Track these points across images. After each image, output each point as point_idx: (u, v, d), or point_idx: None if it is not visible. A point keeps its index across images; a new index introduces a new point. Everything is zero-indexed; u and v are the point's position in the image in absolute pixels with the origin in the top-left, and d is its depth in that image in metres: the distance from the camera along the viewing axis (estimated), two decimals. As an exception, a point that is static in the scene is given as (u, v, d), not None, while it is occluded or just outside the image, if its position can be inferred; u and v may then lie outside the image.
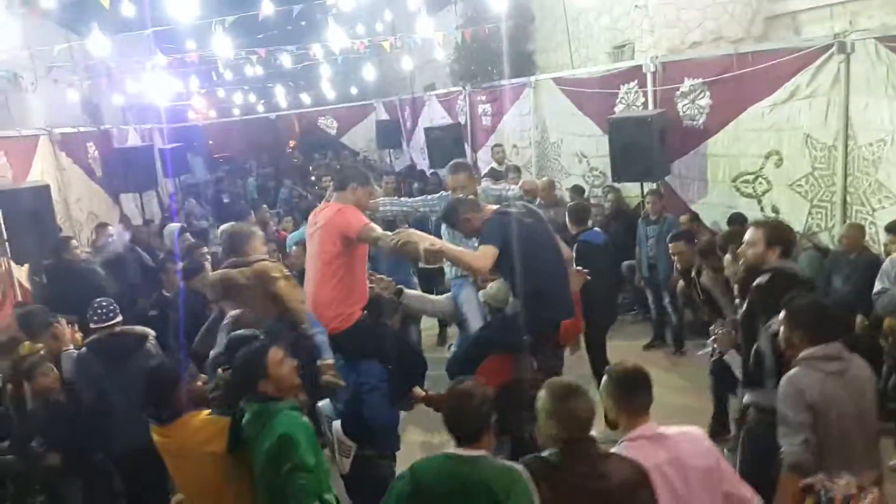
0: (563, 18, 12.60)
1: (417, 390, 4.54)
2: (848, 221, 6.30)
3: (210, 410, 3.69)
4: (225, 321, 4.61)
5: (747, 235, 4.40)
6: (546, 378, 4.33)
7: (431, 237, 4.36)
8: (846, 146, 6.34)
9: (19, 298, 7.56)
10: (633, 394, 3.11)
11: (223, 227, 5.98)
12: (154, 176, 13.46)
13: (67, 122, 11.98)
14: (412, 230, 4.38)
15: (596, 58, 12.18)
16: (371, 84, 18.76)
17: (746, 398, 4.17)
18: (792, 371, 3.51)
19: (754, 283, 4.03)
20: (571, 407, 2.94)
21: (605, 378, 3.20)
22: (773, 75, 6.99)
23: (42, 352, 5.04)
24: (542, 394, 3.01)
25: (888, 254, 5.45)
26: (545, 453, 2.96)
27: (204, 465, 3.52)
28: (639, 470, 2.89)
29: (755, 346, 3.97)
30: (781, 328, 3.62)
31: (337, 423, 4.37)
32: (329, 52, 13.74)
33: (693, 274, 6.34)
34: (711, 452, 3.07)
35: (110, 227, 9.17)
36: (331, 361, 4.36)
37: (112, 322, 5.01)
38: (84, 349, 5.02)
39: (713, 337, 4.68)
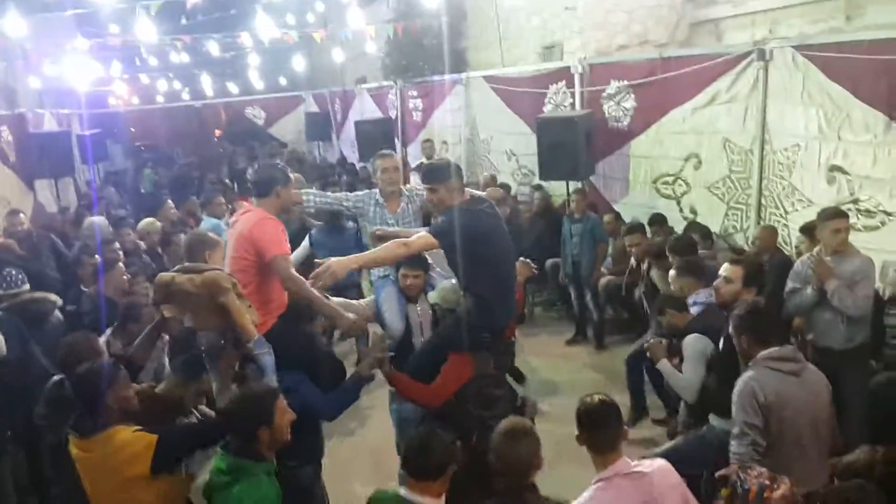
0: (494, 17, 12.69)
1: (384, 368, 4.26)
2: (762, 223, 6.51)
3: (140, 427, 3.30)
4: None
5: (725, 271, 4.50)
6: (501, 375, 4.51)
7: (349, 260, 4.13)
8: (762, 150, 6.54)
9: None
10: (601, 429, 3.02)
11: (144, 221, 5.86)
12: (71, 162, 12.96)
13: (-20, 104, 11.49)
14: (333, 262, 4.02)
15: (526, 57, 12.30)
16: (301, 75, 18.58)
17: (715, 422, 4.17)
18: (747, 372, 3.57)
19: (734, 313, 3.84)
20: (514, 450, 2.92)
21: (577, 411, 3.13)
22: (695, 80, 7.16)
23: None
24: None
25: (800, 255, 5.63)
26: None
27: (125, 488, 3.18)
28: None
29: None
30: (734, 340, 3.74)
31: None
32: (258, 41, 13.52)
33: (644, 266, 6.52)
34: (680, 484, 3.03)
35: (21, 215, 8.81)
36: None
37: (20, 290, 4.88)
38: None
39: (645, 344, 4.82)
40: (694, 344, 4.47)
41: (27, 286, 4.94)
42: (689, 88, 7.26)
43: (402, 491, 3.00)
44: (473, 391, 4.09)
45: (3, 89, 14.73)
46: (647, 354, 4.75)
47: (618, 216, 8.21)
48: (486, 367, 4.27)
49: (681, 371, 4.51)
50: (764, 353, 3.54)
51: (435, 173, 4.29)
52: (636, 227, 7.09)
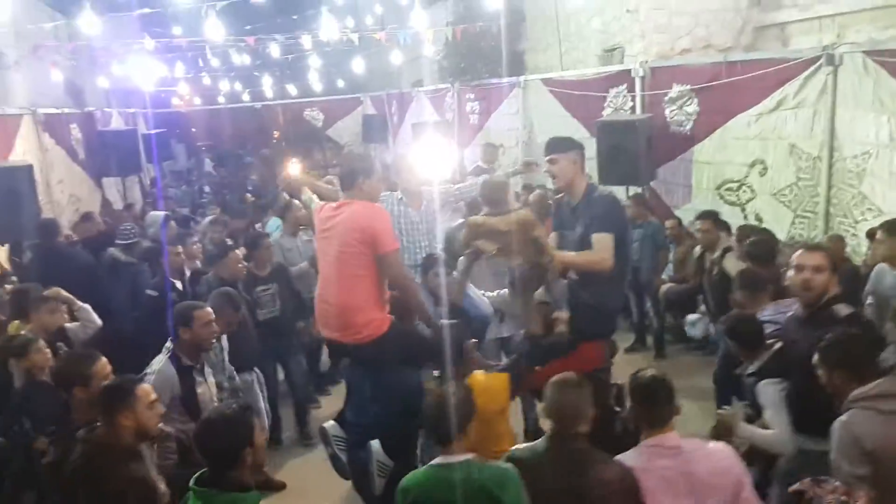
0: (554, 19, 12.64)
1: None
2: (830, 232, 6.37)
3: None
4: None
5: (809, 259, 3.79)
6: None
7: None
8: (831, 157, 6.40)
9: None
10: (652, 405, 3.10)
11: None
12: (138, 161, 13.34)
13: (50, 102, 11.87)
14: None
15: (586, 60, 12.23)
16: (359, 77, 18.72)
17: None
18: (844, 416, 3.08)
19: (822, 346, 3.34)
20: (563, 399, 2.99)
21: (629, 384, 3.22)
22: (761, 85, 7.04)
23: (31, 331, 5.00)
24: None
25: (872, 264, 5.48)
26: (533, 444, 3.06)
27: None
28: (626, 474, 2.92)
29: None
30: (820, 372, 3.27)
31: (375, 443, 4.09)
32: (318, 42, 13.69)
33: (717, 254, 6.28)
34: (732, 473, 3.01)
35: (97, 218, 9.22)
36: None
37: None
38: None
39: (716, 414, 4.07)
40: (772, 393, 3.77)
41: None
42: (755, 93, 7.13)
43: (438, 460, 3.06)
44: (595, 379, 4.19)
45: (72, 88, 15.18)
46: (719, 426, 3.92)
47: (680, 222, 8.11)
48: (608, 357, 4.52)
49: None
50: (862, 390, 3.07)
51: (557, 144, 4.40)
52: (709, 213, 6.90)
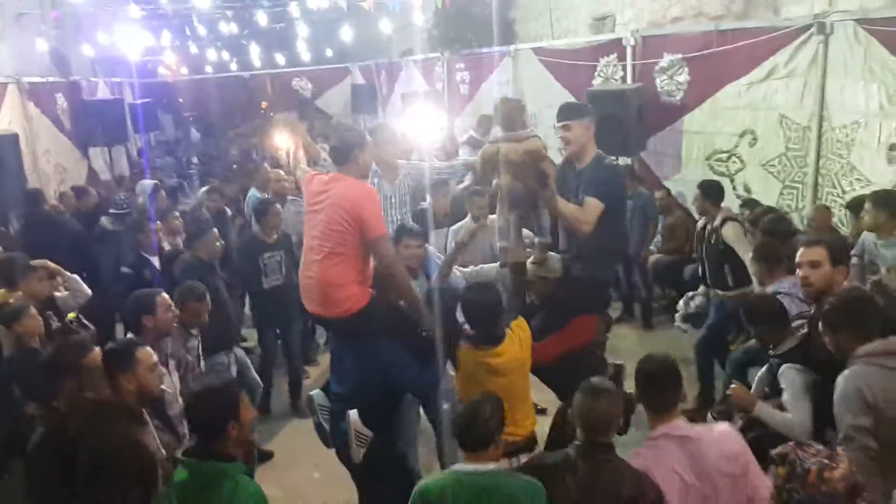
0: (544, -12, 12.52)
1: None
2: (818, 203, 6.39)
3: None
4: None
5: (807, 256, 3.87)
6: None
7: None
8: (820, 127, 6.40)
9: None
10: (660, 390, 3.08)
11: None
12: (125, 131, 13.22)
13: (35, 71, 11.69)
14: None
15: (576, 29, 12.13)
16: (348, 47, 18.53)
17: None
18: (848, 370, 3.15)
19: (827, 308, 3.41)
20: (595, 407, 2.96)
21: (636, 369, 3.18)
22: (752, 54, 7.01)
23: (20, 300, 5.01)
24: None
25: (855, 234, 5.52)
26: (563, 452, 3.01)
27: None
28: (651, 487, 2.90)
29: None
30: (826, 338, 3.30)
31: (353, 413, 4.13)
32: (306, 10, 13.53)
33: (716, 223, 6.16)
34: (740, 454, 3.02)
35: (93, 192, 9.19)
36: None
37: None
38: None
39: (728, 391, 4.00)
40: (794, 378, 3.72)
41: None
42: (746, 62, 7.10)
43: (463, 467, 3.02)
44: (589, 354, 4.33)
45: (57, 56, 14.97)
46: (732, 403, 3.95)
47: (669, 193, 8.11)
48: (602, 331, 4.53)
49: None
50: (867, 347, 3.13)
51: (571, 110, 4.42)
52: (700, 184, 6.79)
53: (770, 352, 4.04)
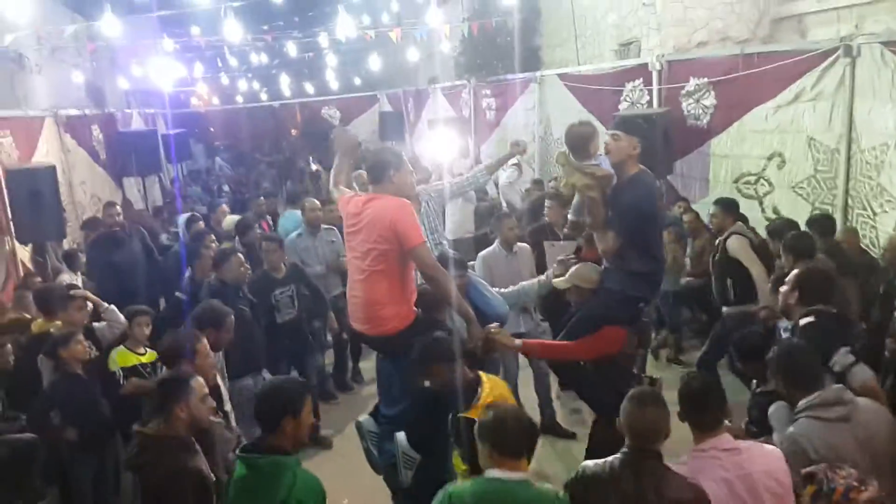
0: (570, 14, 12.63)
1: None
2: (848, 224, 6.33)
3: None
4: None
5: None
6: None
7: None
8: (849, 149, 6.35)
9: (21, 277, 7.59)
10: (703, 410, 3.08)
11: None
12: (158, 161, 13.47)
13: (71, 104, 12.01)
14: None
15: (602, 55, 12.21)
16: (375, 75, 18.79)
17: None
18: (791, 427, 3.27)
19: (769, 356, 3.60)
20: (643, 415, 2.97)
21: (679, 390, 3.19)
22: (779, 77, 7.00)
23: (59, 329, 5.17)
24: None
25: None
26: (606, 461, 3.00)
27: None
28: (699, 493, 2.88)
29: None
30: (774, 381, 3.47)
31: (401, 435, 4.10)
32: (335, 41, 13.75)
33: (720, 240, 6.27)
34: (784, 474, 3.00)
35: (118, 206, 9.36)
36: None
37: None
38: None
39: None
40: (784, 415, 3.57)
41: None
42: (773, 86, 7.09)
43: (493, 474, 3.00)
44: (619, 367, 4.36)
45: (93, 89, 15.36)
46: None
47: (697, 216, 8.08)
48: (632, 345, 4.57)
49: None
50: (805, 400, 3.25)
51: (625, 123, 4.60)
52: (719, 200, 6.84)
53: (757, 389, 4.13)
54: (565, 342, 4.45)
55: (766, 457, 3.02)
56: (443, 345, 3.92)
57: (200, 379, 3.61)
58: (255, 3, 10.47)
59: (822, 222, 5.97)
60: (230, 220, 8.86)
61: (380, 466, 4.42)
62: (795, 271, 4.23)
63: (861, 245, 6.01)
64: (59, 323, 5.26)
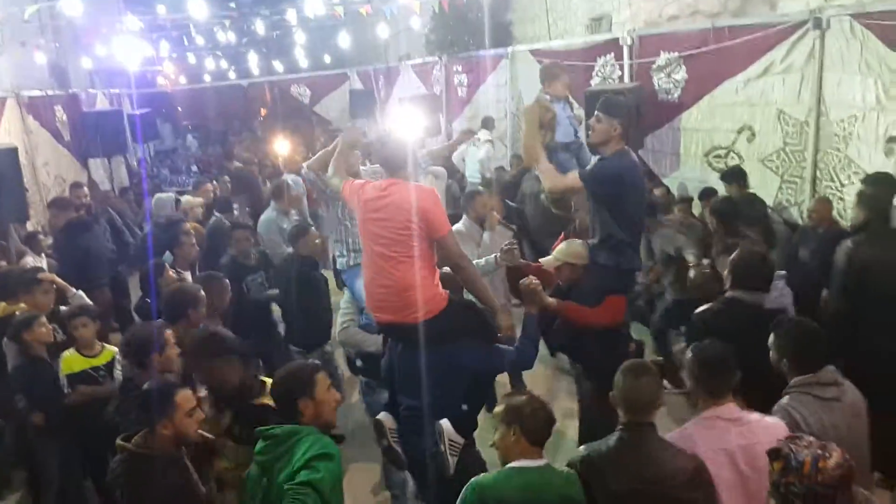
0: (540, -11, 12.54)
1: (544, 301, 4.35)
2: (816, 196, 6.38)
3: None
4: None
5: None
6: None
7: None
8: (818, 122, 6.39)
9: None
10: (713, 374, 3.09)
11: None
12: (124, 141, 13.26)
13: (34, 84, 11.74)
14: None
15: (573, 30, 12.17)
16: (345, 53, 18.59)
17: None
18: (784, 399, 3.29)
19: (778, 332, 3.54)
20: (638, 386, 2.99)
21: (688, 356, 3.21)
22: (749, 50, 7.00)
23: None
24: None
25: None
26: (604, 441, 3.02)
27: None
28: (697, 464, 2.91)
29: None
30: (771, 353, 3.45)
31: (445, 422, 3.92)
32: (303, 17, 13.56)
33: None
34: None
35: (85, 188, 9.16)
36: None
37: None
38: None
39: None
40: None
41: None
42: (743, 59, 7.10)
43: (515, 463, 3.03)
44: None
45: (56, 69, 15.03)
46: None
47: (668, 191, 8.10)
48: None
49: None
50: (802, 378, 3.28)
51: (607, 106, 4.54)
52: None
53: None
54: (583, 307, 4.52)
55: (770, 429, 3.00)
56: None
57: (187, 392, 3.40)
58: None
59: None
60: (189, 201, 8.60)
61: (404, 462, 4.22)
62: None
63: (832, 215, 6.05)
64: (22, 306, 5.14)
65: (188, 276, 6.27)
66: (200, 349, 3.81)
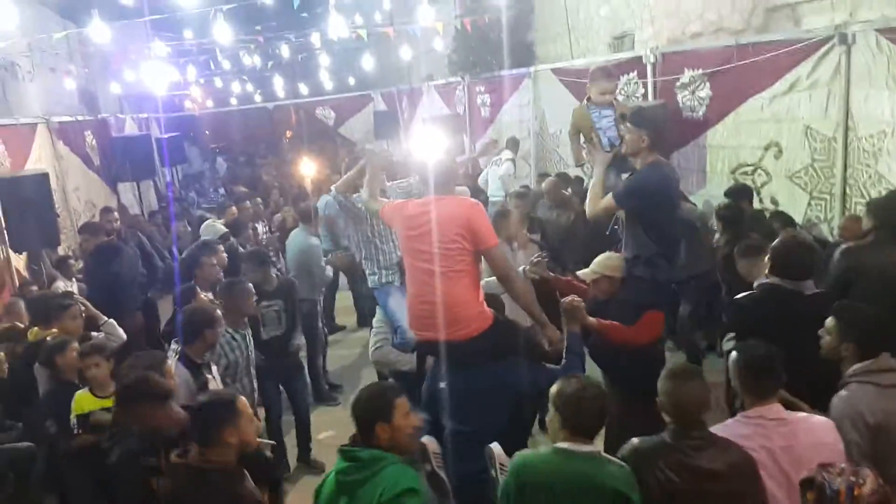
0: (562, 8, 12.57)
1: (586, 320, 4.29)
2: (847, 213, 6.30)
3: None
4: None
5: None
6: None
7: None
8: (846, 138, 6.32)
9: (17, 286, 7.55)
10: (760, 375, 3.11)
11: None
12: (152, 165, 13.43)
13: (64, 110, 11.97)
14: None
15: (595, 48, 12.16)
16: (369, 74, 18.73)
17: None
18: (844, 391, 3.30)
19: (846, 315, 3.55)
20: (685, 391, 2.99)
21: (733, 356, 3.22)
22: (774, 67, 6.96)
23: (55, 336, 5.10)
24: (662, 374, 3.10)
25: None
26: (657, 437, 3.03)
27: None
28: (746, 457, 2.92)
29: None
30: (827, 336, 3.47)
31: (496, 447, 3.71)
32: (327, 41, 13.69)
33: None
34: (836, 449, 3.00)
35: (115, 213, 9.29)
36: None
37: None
38: None
39: None
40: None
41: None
42: (768, 75, 7.05)
43: (563, 445, 2.98)
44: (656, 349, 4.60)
45: (85, 95, 15.30)
46: None
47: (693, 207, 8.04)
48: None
49: None
50: (861, 366, 3.30)
51: (637, 118, 4.65)
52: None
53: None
54: (624, 326, 4.45)
55: (815, 430, 3.02)
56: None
57: (243, 398, 3.39)
58: (247, 4, 10.41)
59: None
60: (211, 227, 8.63)
61: (448, 490, 3.93)
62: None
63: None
64: (55, 331, 5.21)
65: (209, 296, 6.33)
66: (129, 393, 3.71)
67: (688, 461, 2.89)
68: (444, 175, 4.18)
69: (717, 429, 3.12)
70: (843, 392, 3.30)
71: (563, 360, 4.05)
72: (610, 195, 4.70)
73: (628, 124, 4.60)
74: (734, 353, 3.24)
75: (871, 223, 4.92)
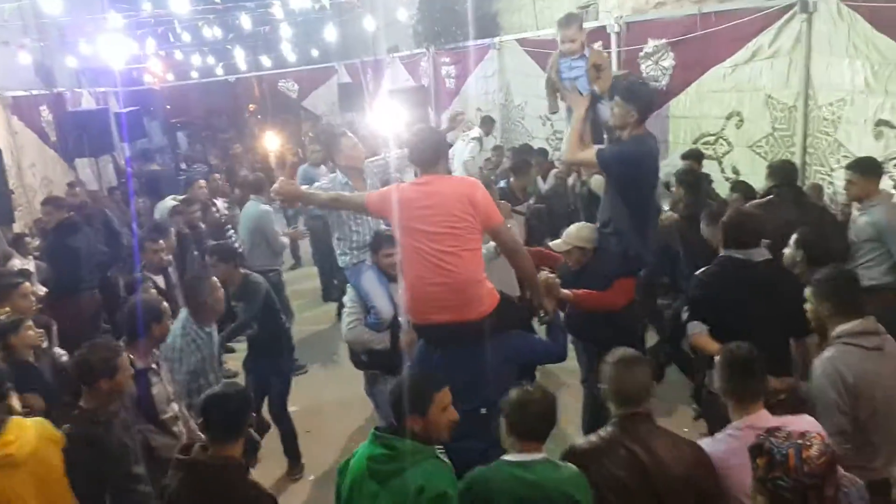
0: (526, -22, 12.48)
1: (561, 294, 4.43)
2: (806, 181, 6.36)
3: None
4: None
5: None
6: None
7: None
8: (806, 106, 6.38)
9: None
10: (744, 379, 3.01)
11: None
12: (110, 140, 13.09)
13: (19, 85, 11.62)
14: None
15: (560, 18, 12.07)
16: (333, 46, 18.45)
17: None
18: (827, 352, 3.31)
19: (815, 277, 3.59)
20: (630, 377, 2.95)
21: (717, 359, 3.15)
22: (736, 35, 6.98)
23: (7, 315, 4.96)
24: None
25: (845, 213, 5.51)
26: (596, 435, 2.98)
27: None
28: (697, 449, 2.87)
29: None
30: (808, 304, 3.49)
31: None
32: (290, 11, 13.46)
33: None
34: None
35: (79, 189, 9.10)
36: None
37: None
38: None
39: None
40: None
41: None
42: (730, 44, 7.07)
43: (512, 457, 2.93)
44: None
45: (41, 69, 14.89)
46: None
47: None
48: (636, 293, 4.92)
49: None
50: (845, 327, 3.29)
51: (627, 92, 4.57)
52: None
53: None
54: (598, 292, 4.58)
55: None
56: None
57: (125, 354, 3.60)
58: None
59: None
60: (162, 205, 8.53)
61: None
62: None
63: (823, 201, 6.04)
64: (7, 309, 5.08)
65: (160, 280, 6.28)
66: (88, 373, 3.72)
67: (632, 456, 2.83)
68: (434, 151, 4.00)
69: (706, 443, 3.04)
70: (825, 353, 3.31)
71: (548, 333, 4.26)
72: (593, 151, 4.64)
73: (618, 98, 4.54)
74: (717, 357, 3.16)
75: (771, 182, 5.29)
